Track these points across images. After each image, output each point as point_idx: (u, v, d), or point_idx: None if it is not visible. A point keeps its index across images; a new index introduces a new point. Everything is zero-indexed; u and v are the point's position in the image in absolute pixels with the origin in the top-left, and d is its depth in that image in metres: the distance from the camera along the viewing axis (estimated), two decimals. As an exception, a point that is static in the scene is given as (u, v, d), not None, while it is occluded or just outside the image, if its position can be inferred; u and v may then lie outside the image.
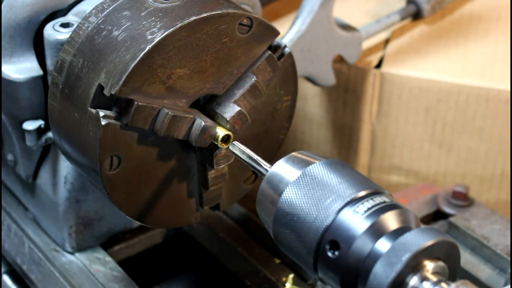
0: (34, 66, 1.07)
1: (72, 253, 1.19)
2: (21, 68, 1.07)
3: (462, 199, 1.24)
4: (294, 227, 0.85)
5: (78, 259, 1.18)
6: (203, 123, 0.95)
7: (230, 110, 0.98)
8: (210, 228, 1.25)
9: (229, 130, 0.97)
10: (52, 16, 1.07)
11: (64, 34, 1.03)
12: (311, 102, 1.47)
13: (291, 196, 0.86)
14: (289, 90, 1.05)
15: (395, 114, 1.42)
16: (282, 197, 0.86)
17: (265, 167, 0.92)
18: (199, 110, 0.98)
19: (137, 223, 1.19)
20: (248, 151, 0.95)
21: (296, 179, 0.86)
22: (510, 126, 1.38)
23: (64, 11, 1.07)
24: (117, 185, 0.97)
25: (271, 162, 0.96)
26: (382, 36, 1.46)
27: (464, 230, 1.19)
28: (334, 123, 1.46)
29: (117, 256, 1.21)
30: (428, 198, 1.27)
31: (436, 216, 1.25)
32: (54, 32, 1.03)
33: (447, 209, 1.24)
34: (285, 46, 1.02)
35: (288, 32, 1.24)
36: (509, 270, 1.13)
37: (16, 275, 1.24)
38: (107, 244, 1.22)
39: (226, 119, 0.97)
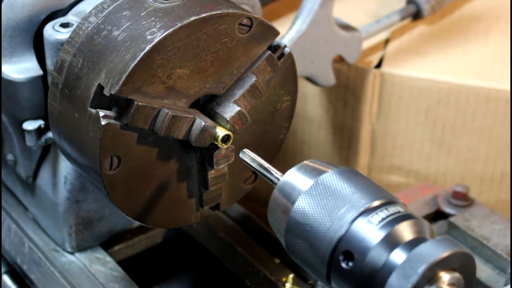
0: (34, 66, 1.07)
1: (72, 253, 1.19)
2: (21, 68, 1.07)
3: (462, 199, 1.24)
4: (307, 237, 0.84)
5: (78, 259, 1.18)
6: (203, 123, 0.95)
7: (230, 110, 0.98)
8: (210, 228, 1.25)
9: (229, 130, 0.97)
10: (52, 16, 1.07)
11: (64, 34, 1.03)
12: (311, 102, 1.47)
13: (304, 205, 0.85)
14: (289, 90, 1.05)
15: (395, 114, 1.42)
16: (295, 207, 0.85)
17: (276, 175, 0.91)
18: (199, 110, 0.98)
19: (137, 223, 1.19)
20: (258, 159, 0.94)
21: (309, 189, 0.85)
22: (510, 126, 1.38)
23: (64, 11, 1.07)
24: (117, 185, 0.97)
25: (271, 162, 0.96)
26: (382, 36, 1.46)
27: (464, 230, 1.19)
28: (334, 123, 1.46)
29: (117, 256, 1.21)
30: (428, 198, 1.27)
31: (436, 216, 1.25)
32: (54, 32, 1.03)
33: (447, 209, 1.24)
34: (285, 46, 1.02)
35: (288, 32, 1.24)
36: (509, 270, 1.13)
37: (16, 275, 1.24)
38: (107, 244, 1.22)
39: (226, 119, 0.97)
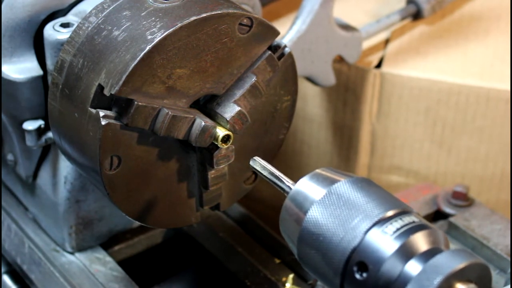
0: (34, 66, 1.07)
1: (72, 253, 1.19)
2: (21, 68, 1.07)
3: (462, 199, 1.24)
4: (320, 248, 0.83)
5: (78, 259, 1.18)
6: (203, 123, 0.95)
7: (230, 110, 0.98)
8: (210, 228, 1.25)
9: (229, 130, 0.97)
10: (52, 16, 1.07)
11: (64, 34, 1.03)
12: (311, 102, 1.47)
13: (317, 215, 0.83)
14: (289, 90, 1.05)
15: (395, 114, 1.42)
16: (307, 217, 0.84)
17: (288, 184, 0.90)
18: (199, 110, 0.98)
19: (137, 223, 1.19)
20: (269, 166, 0.92)
21: (322, 198, 0.84)
22: (510, 126, 1.38)
23: (64, 11, 1.07)
24: (117, 185, 0.97)
25: (271, 162, 0.96)
26: (382, 36, 1.46)
27: (464, 230, 1.19)
28: (334, 123, 1.46)
29: (117, 256, 1.21)
30: (428, 198, 1.27)
31: (436, 216, 1.25)
32: (54, 32, 1.03)
33: (447, 209, 1.24)
34: (285, 46, 1.02)
35: (288, 32, 1.24)
36: (509, 270, 1.13)
37: (16, 275, 1.24)
38: (107, 244, 1.22)
39: (226, 119, 0.97)
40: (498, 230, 1.19)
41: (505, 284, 1.12)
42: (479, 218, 1.21)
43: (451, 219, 1.22)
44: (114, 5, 0.97)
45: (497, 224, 1.20)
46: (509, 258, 1.14)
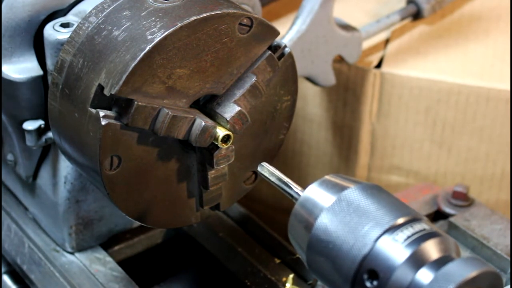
0: (34, 66, 1.07)
1: (72, 253, 1.19)
2: (21, 68, 1.07)
3: (462, 199, 1.24)
4: (330, 255, 0.82)
5: (78, 259, 1.18)
6: (203, 123, 0.95)
7: (230, 110, 0.98)
8: (210, 228, 1.25)
9: (229, 130, 0.97)
10: (52, 16, 1.07)
11: (64, 34, 1.03)
12: (311, 102, 1.47)
13: (326, 222, 0.83)
14: (289, 90, 1.05)
15: (395, 114, 1.42)
16: (317, 224, 0.83)
17: (296, 190, 0.89)
18: (199, 110, 0.98)
19: (137, 223, 1.19)
20: (277, 172, 0.92)
21: (331, 205, 0.83)
22: (510, 126, 1.38)
23: (64, 11, 1.07)
24: (117, 185, 0.97)
25: (271, 162, 0.95)
26: (382, 36, 1.46)
27: (464, 230, 1.19)
28: (334, 123, 1.46)
29: (117, 256, 1.21)
30: (428, 198, 1.27)
31: (436, 216, 1.25)
32: (54, 32, 1.03)
33: (447, 209, 1.24)
34: (285, 46, 1.02)
35: (288, 32, 1.24)
36: (509, 270, 1.13)
37: (16, 275, 1.24)
38: (107, 244, 1.22)
39: (226, 119, 0.97)
40: (498, 230, 1.19)
41: (505, 284, 1.12)
42: (479, 218, 1.21)
43: (451, 219, 1.22)
44: (114, 5, 0.97)
45: (497, 224, 1.20)
46: (509, 258, 1.14)
